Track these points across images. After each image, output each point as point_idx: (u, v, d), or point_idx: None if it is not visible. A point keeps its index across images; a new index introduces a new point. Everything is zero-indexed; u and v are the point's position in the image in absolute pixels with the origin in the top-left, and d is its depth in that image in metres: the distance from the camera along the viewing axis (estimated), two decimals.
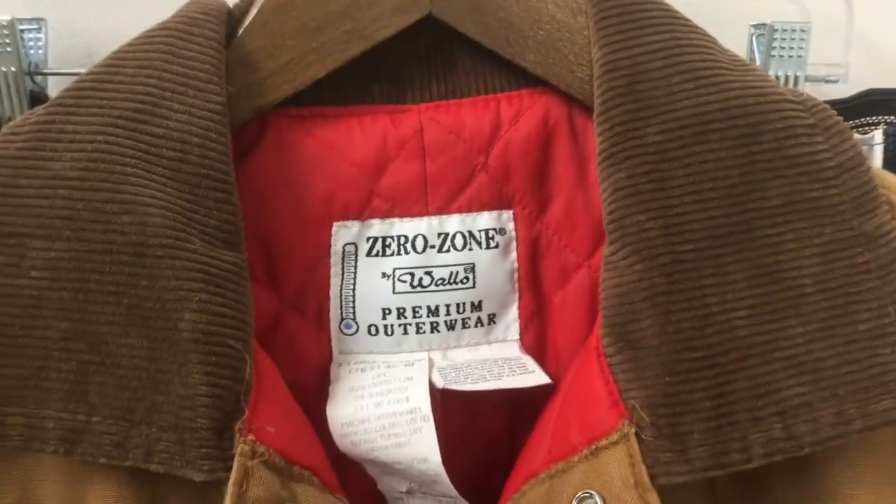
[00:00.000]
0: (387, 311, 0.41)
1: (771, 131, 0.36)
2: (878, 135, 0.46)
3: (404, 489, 0.40)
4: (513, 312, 0.42)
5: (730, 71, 0.37)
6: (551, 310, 0.42)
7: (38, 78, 0.51)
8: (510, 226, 0.42)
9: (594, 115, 0.37)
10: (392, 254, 0.41)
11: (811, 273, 0.35)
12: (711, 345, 0.34)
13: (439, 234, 0.41)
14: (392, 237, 0.41)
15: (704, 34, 0.38)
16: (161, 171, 0.35)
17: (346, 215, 0.41)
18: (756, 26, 0.48)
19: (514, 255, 0.42)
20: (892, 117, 0.49)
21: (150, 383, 0.34)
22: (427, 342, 0.42)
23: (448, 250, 0.41)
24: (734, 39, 0.48)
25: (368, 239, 0.41)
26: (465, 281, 0.41)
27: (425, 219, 0.41)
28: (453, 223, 0.41)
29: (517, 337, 0.42)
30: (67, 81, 0.49)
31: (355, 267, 0.41)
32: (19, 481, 0.37)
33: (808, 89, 0.48)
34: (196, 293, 0.34)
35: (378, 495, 0.42)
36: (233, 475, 0.33)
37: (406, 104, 0.41)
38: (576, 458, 0.35)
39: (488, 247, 0.42)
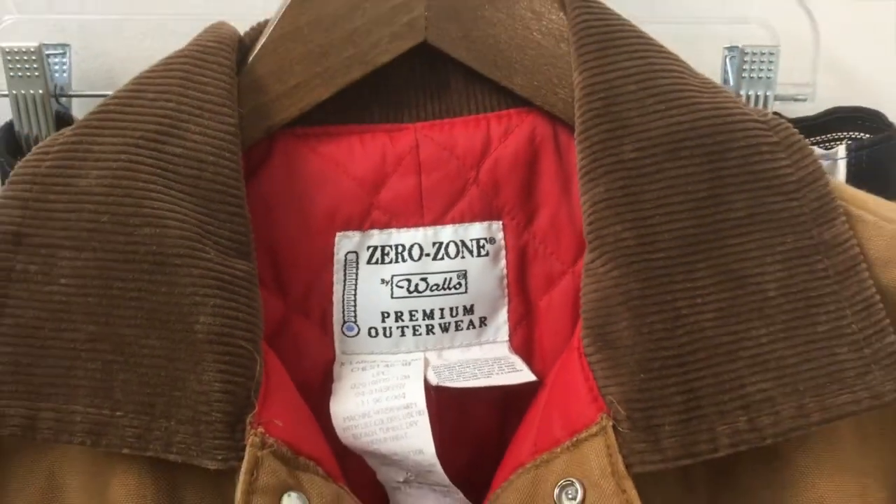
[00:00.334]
0: (386, 315, 0.42)
1: (737, 148, 0.37)
2: (841, 150, 0.47)
3: (401, 479, 0.41)
4: (502, 316, 0.43)
5: (699, 93, 0.38)
6: (538, 313, 0.43)
7: (63, 99, 0.51)
8: (500, 235, 0.43)
9: (575, 134, 0.38)
10: (390, 261, 0.42)
11: (774, 278, 0.36)
12: (681, 344, 0.35)
13: (434, 244, 0.42)
14: (390, 246, 0.42)
15: (677, 59, 0.39)
16: (179, 187, 0.36)
17: (347, 226, 0.42)
18: (729, 49, 0.49)
19: (503, 262, 0.43)
20: (855, 133, 0.50)
21: (169, 380, 0.35)
22: (423, 343, 0.42)
23: (442, 258, 0.42)
24: (709, 61, 0.50)
25: (368, 248, 0.42)
26: (458, 287, 0.42)
27: (421, 229, 0.42)
28: (447, 233, 0.42)
29: (507, 338, 0.43)
30: (90, 102, 0.51)
31: (356, 274, 0.42)
32: (46, 471, 0.37)
33: (778, 107, 0.50)
34: (211, 298, 0.35)
35: (377, 485, 0.42)
36: (244, 464, 0.33)
37: (403, 123, 0.42)
38: (559, 450, 0.36)
39: (479, 255, 0.42)
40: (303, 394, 0.40)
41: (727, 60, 0.50)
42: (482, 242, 0.42)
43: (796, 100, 0.50)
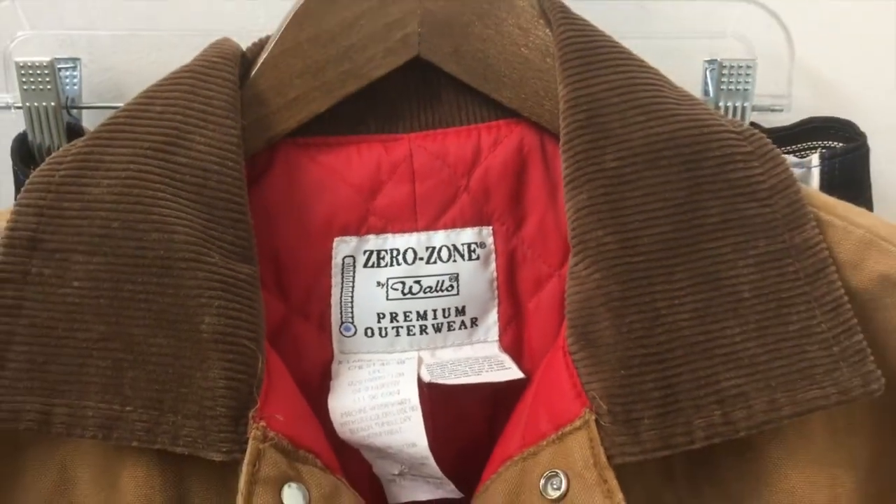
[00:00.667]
0: (381, 316, 0.43)
1: (712, 158, 0.37)
2: (814, 158, 0.48)
3: (396, 471, 0.42)
4: (493, 317, 0.44)
5: (677, 105, 0.38)
6: (527, 314, 0.44)
7: (74, 111, 0.52)
8: (490, 240, 0.43)
9: (560, 144, 0.39)
10: (386, 265, 0.43)
11: (748, 280, 0.36)
12: (660, 342, 0.36)
13: (427, 248, 0.43)
14: (386, 250, 0.42)
15: (656, 73, 0.40)
16: (185, 195, 0.37)
17: (345, 231, 0.42)
18: (709, 62, 0.50)
19: (493, 266, 0.43)
20: (828, 142, 0.50)
21: (176, 377, 0.35)
22: (417, 343, 0.43)
23: (435, 262, 0.43)
24: (691, 73, 0.50)
25: (365, 252, 0.42)
26: (450, 289, 0.43)
27: (415, 234, 0.43)
28: (439, 238, 0.43)
29: (497, 338, 0.44)
30: (99, 113, 0.52)
31: (353, 277, 0.43)
32: (59, 465, 0.38)
33: (755, 117, 0.50)
34: (215, 300, 0.36)
35: (373, 478, 0.43)
36: (247, 456, 0.34)
37: (397, 133, 0.43)
38: (545, 443, 0.37)
39: (470, 259, 0.43)
40: (302, 391, 0.40)
41: (707, 73, 0.50)
42: (473, 247, 0.43)
43: (773, 110, 0.51)
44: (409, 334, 0.43)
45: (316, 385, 0.42)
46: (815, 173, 0.48)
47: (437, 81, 0.43)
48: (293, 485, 0.35)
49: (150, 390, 0.35)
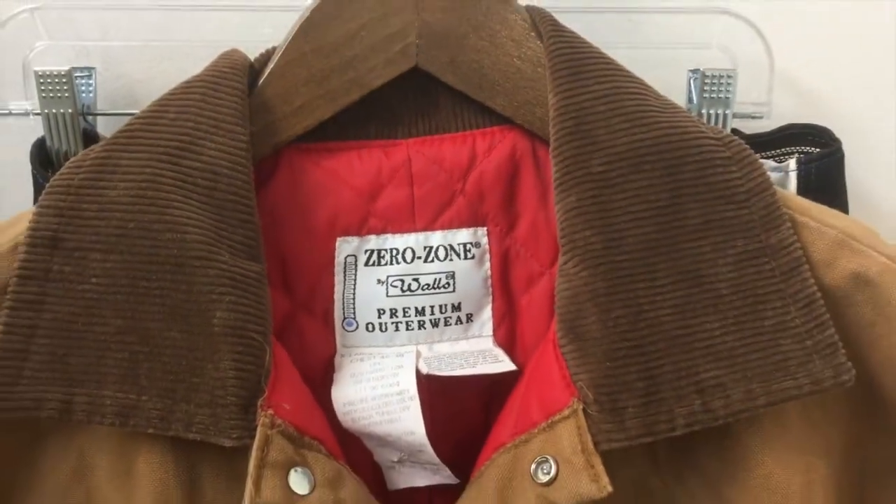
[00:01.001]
0: (381, 312, 0.43)
1: (693, 162, 0.38)
2: (792, 163, 0.48)
3: (396, 459, 0.42)
4: (487, 313, 0.44)
5: (660, 113, 0.39)
6: (519, 310, 0.44)
7: (90, 117, 0.52)
8: (484, 240, 0.44)
9: (550, 150, 0.39)
10: (386, 263, 0.43)
11: (726, 278, 0.37)
12: (643, 336, 0.36)
13: (425, 247, 0.43)
14: (386, 250, 0.43)
15: (641, 82, 0.41)
16: (197, 197, 0.38)
17: (347, 232, 0.43)
18: (692, 71, 0.51)
19: (487, 264, 0.44)
20: (805, 148, 0.51)
21: (189, 368, 0.36)
22: (415, 337, 0.44)
23: (432, 260, 0.43)
24: (676, 82, 0.51)
25: (366, 251, 0.43)
26: (446, 286, 0.43)
27: (413, 234, 0.43)
28: (437, 238, 0.43)
29: (491, 333, 0.44)
30: (112, 120, 0.53)
31: (355, 275, 0.43)
32: (77, 452, 0.39)
33: (737, 124, 0.51)
34: (226, 296, 0.37)
35: (374, 464, 0.44)
36: (256, 442, 0.35)
37: (397, 139, 0.43)
38: (536, 431, 0.37)
39: (466, 258, 0.44)
40: (307, 383, 0.41)
41: (691, 82, 0.51)
42: (468, 246, 0.44)
43: (753, 117, 0.51)
44: (407, 329, 0.44)
45: (319, 377, 0.43)
46: (793, 177, 0.49)
47: (435, 90, 0.43)
48: (299, 469, 0.36)
49: (164, 380, 0.36)
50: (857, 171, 0.55)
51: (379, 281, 0.43)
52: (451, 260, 0.44)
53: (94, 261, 0.37)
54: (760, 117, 0.51)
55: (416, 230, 0.43)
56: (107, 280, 0.37)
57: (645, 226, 0.38)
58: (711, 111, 0.50)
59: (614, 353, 0.36)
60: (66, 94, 0.50)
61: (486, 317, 0.45)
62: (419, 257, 0.43)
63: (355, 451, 0.42)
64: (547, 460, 0.36)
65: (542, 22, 0.42)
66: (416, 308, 0.44)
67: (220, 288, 0.37)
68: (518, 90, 0.42)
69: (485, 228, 0.44)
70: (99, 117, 0.53)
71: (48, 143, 0.51)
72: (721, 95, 0.50)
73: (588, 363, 0.37)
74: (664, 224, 0.38)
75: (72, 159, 0.39)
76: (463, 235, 0.44)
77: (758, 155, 0.40)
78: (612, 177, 0.38)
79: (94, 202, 0.37)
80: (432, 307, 0.44)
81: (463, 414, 0.45)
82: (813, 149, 0.52)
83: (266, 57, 0.43)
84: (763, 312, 0.37)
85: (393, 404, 0.41)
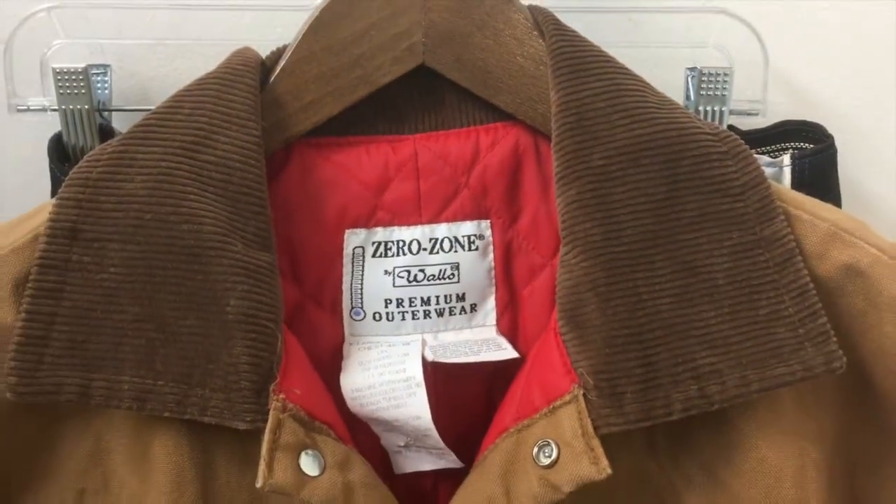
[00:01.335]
0: (388, 302, 0.44)
1: (690, 157, 0.38)
2: (786, 158, 0.49)
3: (402, 443, 0.43)
4: (490, 303, 0.45)
5: (658, 109, 0.39)
6: (521, 300, 0.45)
7: (105, 113, 0.53)
8: (488, 232, 0.44)
9: (552, 145, 0.40)
10: (392, 255, 0.44)
11: (722, 268, 0.37)
12: (641, 324, 0.37)
13: (430, 239, 0.44)
14: (392, 241, 0.44)
15: (640, 79, 0.41)
16: (211, 190, 0.38)
17: (355, 224, 0.43)
18: (690, 69, 0.51)
19: (491, 256, 0.44)
20: (799, 143, 0.51)
21: (204, 354, 0.36)
22: (421, 327, 0.44)
23: (437, 252, 0.44)
24: (674, 80, 0.51)
25: (373, 243, 0.44)
26: (451, 277, 0.44)
27: (419, 227, 0.44)
28: (442, 230, 0.44)
29: (494, 323, 0.45)
30: (127, 116, 0.53)
31: (363, 266, 0.44)
32: (94, 436, 0.39)
33: (733, 121, 0.51)
34: (239, 284, 0.37)
35: (381, 449, 0.44)
36: (269, 425, 0.35)
37: (403, 135, 0.44)
38: (538, 416, 0.38)
39: (470, 249, 0.44)
40: (316, 370, 0.41)
41: (689, 80, 0.51)
42: (473, 238, 0.44)
43: (749, 114, 0.52)
44: (413, 319, 0.44)
45: (328, 364, 0.43)
46: (787, 172, 0.49)
47: (440, 87, 0.44)
48: (310, 452, 0.36)
49: (180, 366, 0.37)
50: (850, 167, 0.56)
51: (386, 272, 0.44)
52: (455, 252, 0.44)
53: (112, 251, 0.37)
54: (756, 114, 0.52)
55: (421, 223, 0.44)
56: (124, 269, 0.37)
57: (643, 218, 0.38)
58: (708, 108, 0.50)
59: (613, 340, 0.37)
60: (83, 91, 0.50)
61: (489, 307, 0.45)
62: (425, 249, 0.44)
63: (363, 436, 0.43)
64: (548, 444, 0.37)
65: (545, 21, 0.42)
66: (422, 298, 0.44)
67: (233, 277, 0.37)
68: (521, 87, 0.43)
69: (488, 221, 0.44)
70: (113, 113, 0.54)
71: (65, 138, 0.52)
72: (718, 93, 0.50)
73: (588, 350, 0.37)
74: (662, 216, 0.38)
75: (90, 153, 0.39)
76: (467, 228, 0.44)
77: (753, 150, 0.40)
78: (612, 170, 0.38)
79: (112, 194, 0.38)
80: (437, 297, 0.44)
81: (467, 400, 0.45)
82: (806, 145, 0.52)
83: (277, 55, 0.44)
84: (757, 302, 0.37)
85: (400, 390, 0.41)
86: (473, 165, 0.44)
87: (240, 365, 0.36)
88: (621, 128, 0.39)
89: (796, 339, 0.37)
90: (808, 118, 0.53)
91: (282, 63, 0.43)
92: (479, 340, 0.44)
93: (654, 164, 0.38)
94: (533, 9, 0.44)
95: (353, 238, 0.44)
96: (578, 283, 0.38)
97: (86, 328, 0.37)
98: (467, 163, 0.44)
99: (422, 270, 0.44)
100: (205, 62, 0.43)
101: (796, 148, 0.52)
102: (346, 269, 0.44)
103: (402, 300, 0.44)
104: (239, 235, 0.38)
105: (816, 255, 0.39)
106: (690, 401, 0.37)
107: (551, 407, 0.38)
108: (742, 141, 0.40)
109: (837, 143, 0.51)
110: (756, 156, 0.40)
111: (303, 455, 0.36)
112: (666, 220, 0.38)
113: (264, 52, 0.44)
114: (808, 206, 0.40)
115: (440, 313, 0.44)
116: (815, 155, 0.50)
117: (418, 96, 0.44)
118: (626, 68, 0.41)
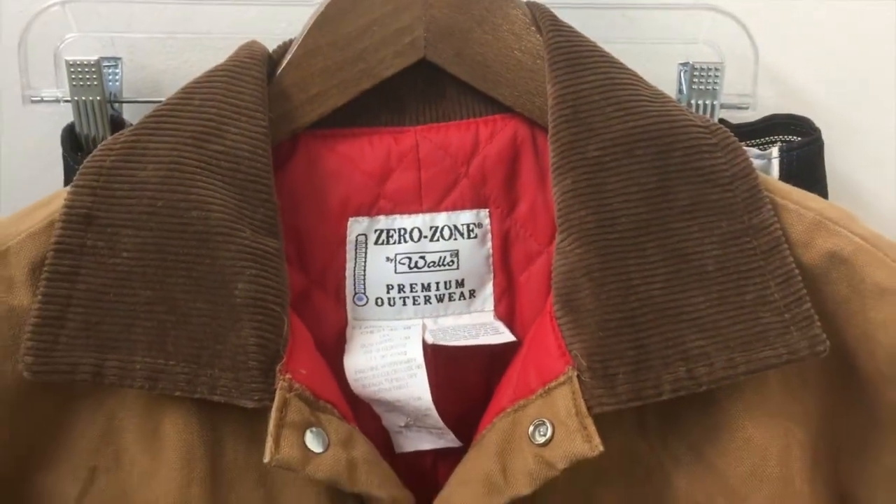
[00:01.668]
0: (390, 287, 0.44)
1: (681, 148, 0.39)
2: (775, 151, 0.49)
3: (403, 423, 0.43)
4: (489, 289, 0.45)
5: (651, 102, 0.40)
6: (518, 286, 0.45)
7: (116, 105, 0.53)
8: (486, 221, 0.45)
9: (548, 136, 0.40)
10: (394, 242, 0.44)
11: (711, 255, 0.38)
12: (633, 308, 0.37)
13: (431, 227, 0.44)
14: (394, 229, 0.44)
15: (634, 73, 0.41)
16: (220, 178, 0.39)
17: (358, 212, 0.44)
18: (682, 64, 0.52)
19: (489, 243, 0.45)
20: (787, 136, 0.52)
21: (213, 336, 0.37)
22: (421, 312, 0.44)
23: (438, 240, 0.44)
24: (667, 75, 0.52)
25: (376, 231, 0.44)
26: (451, 264, 0.44)
27: (420, 215, 0.44)
28: (442, 218, 0.44)
29: (492, 308, 0.45)
30: (137, 108, 0.53)
31: (366, 253, 0.44)
32: (106, 416, 0.40)
33: (723, 114, 0.52)
34: (247, 269, 0.37)
35: (382, 429, 0.45)
36: (275, 403, 0.36)
37: (405, 126, 0.44)
38: (533, 397, 0.38)
39: (469, 237, 0.44)
40: (320, 352, 0.42)
41: (681, 74, 0.52)
42: (471, 227, 0.44)
43: (739, 108, 0.52)
44: (414, 304, 0.44)
45: (332, 348, 0.44)
46: (775, 164, 0.49)
47: (441, 80, 0.44)
48: (314, 430, 0.37)
49: (190, 347, 0.37)
50: (837, 160, 0.56)
51: (388, 258, 0.44)
52: (455, 239, 0.44)
53: (125, 236, 0.38)
54: (746, 108, 0.52)
55: (422, 211, 0.44)
56: (137, 254, 0.38)
57: (636, 206, 0.38)
58: (700, 102, 0.51)
59: (607, 324, 0.37)
60: (95, 83, 0.51)
61: (487, 293, 0.45)
62: (425, 236, 0.44)
63: (365, 417, 0.43)
64: (544, 423, 0.37)
65: (542, 17, 0.43)
66: (423, 284, 0.44)
67: (241, 262, 0.38)
68: (519, 81, 0.43)
69: (487, 210, 0.45)
70: (124, 105, 0.54)
71: (77, 128, 0.52)
72: (709, 87, 0.50)
73: (582, 333, 0.38)
74: (654, 205, 0.38)
75: (103, 143, 0.40)
76: (466, 216, 0.44)
77: (743, 143, 0.41)
78: (606, 161, 0.39)
79: (126, 182, 0.38)
80: (437, 283, 0.45)
81: (466, 382, 0.46)
82: (794, 137, 0.52)
83: (283, 49, 0.44)
84: (745, 288, 0.38)
85: (401, 371, 0.41)
86: (473, 156, 0.44)
87: (248, 346, 0.37)
88: (615, 120, 0.39)
89: (782, 324, 0.38)
90: (796, 112, 0.54)
91: (288, 56, 0.43)
92: (478, 325, 0.44)
93: (646, 155, 0.39)
94: (531, 5, 0.44)
95: (357, 226, 0.44)
96: (573, 268, 0.38)
97: (100, 310, 0.37)
98: (467, 153, 0.44)
99: (422, 257, 0.44)
100: (213, 55, 0.43)
101: (784, 141, 0.52)
102: (350, 256, 0.44)
103: (404, 286, 0.44)
104: (247, 222, 0.39)
105: (802, 243, 0.40)
106: (679, 382, 0.37)
107: (546, 388, 0.38)
108: (732, 133, 0.40)
109: (825, 137, 0.52)
110: (745, 148, 0.41)
111: (308, 433, 0.36)
112: (658, 209, 0.38)
113: (271, 45, 0.44)
114: (794, 197, 0.41)
115: (440, 299, 0.45)
116: (803, 147, 0.50)
117: (420, 89, 0.45)
118: (621, 63, 0.42)
